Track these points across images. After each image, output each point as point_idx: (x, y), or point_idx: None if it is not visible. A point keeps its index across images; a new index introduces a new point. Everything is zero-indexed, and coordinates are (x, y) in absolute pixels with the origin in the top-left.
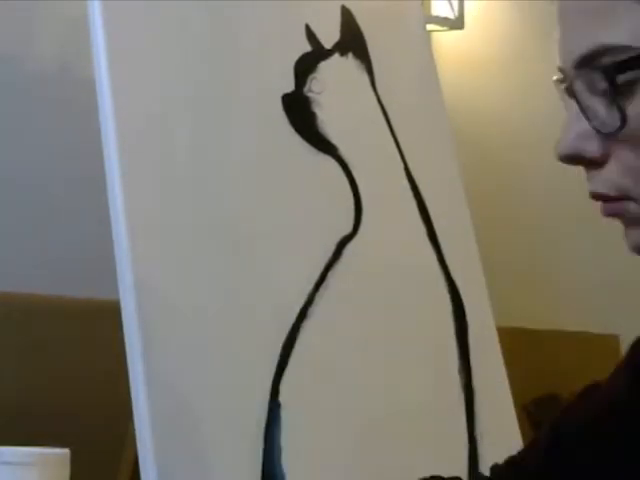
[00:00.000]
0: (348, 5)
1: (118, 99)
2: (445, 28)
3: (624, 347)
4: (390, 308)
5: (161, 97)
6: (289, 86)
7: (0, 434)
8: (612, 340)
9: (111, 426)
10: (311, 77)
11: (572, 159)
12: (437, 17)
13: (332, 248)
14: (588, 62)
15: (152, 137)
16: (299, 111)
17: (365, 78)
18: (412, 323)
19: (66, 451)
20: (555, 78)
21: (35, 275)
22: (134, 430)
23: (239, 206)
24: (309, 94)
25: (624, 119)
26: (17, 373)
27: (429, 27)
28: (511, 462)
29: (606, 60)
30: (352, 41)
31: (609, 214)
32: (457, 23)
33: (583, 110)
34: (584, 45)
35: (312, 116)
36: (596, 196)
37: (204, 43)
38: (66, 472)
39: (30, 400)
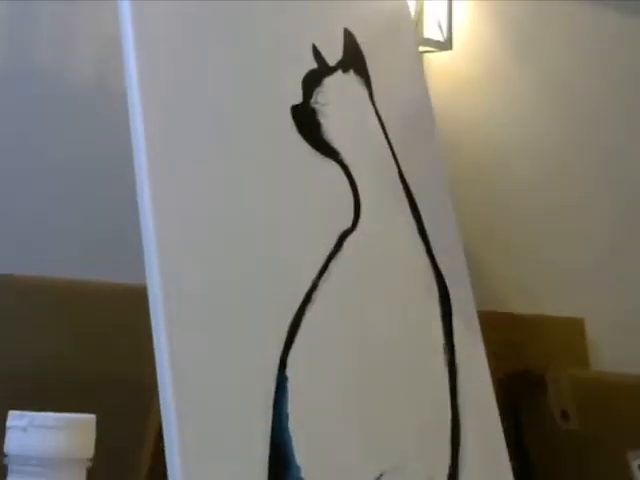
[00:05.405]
0: (350, 28)
1: (148, 113)
2: (436, 49)
3: (589, 329)
4: (385, 293)
5: (189, 111)
6: (298, 98)
7: (37, 403)
8: (577, 323)
9: (137, 399)
10: (317, 90)
11: None
12: (429, 39)
13: (334, 240)
14: None
15: (177, 143)
16: (306, 120)
17: (364, 92)
18: (404, 307)
19: (92, 416)
20: None
21: (72, 262)
22: (158, 402)
23: (253, 202)
24: (315, 105)
25: None
26: (55, 349)
27: (421, 48)
28: None
29: None
30: (353, 59)
31: None
32: (446, 45)
33: None
34: None
35: (317, 125)
36: None
37: (227, 61)
38: (92, 436)
39: (64, 373)
